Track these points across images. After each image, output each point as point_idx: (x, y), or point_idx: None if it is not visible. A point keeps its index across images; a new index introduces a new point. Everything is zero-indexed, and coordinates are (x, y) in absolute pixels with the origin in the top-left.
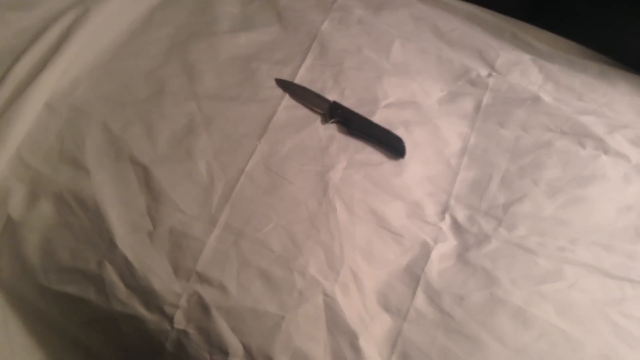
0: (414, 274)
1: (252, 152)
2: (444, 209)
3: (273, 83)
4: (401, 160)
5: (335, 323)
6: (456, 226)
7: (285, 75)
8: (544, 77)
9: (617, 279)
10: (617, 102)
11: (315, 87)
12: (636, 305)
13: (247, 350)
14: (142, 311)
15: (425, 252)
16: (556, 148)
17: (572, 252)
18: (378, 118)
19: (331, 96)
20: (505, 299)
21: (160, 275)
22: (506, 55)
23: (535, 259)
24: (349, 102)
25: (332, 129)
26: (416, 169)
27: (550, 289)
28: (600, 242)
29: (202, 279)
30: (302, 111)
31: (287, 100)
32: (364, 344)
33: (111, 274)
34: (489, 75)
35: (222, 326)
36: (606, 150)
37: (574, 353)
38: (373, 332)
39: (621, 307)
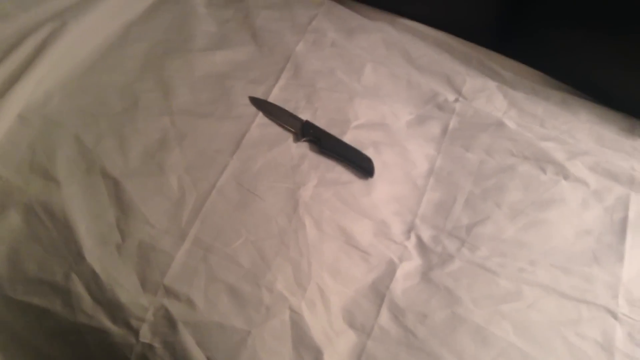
0: (379, 292)
1: (224, 168)
2: (410, 229)
3: (247, 101)
4: (370, 180)
5: (301, 339)
6: (421, 245)
7: (259, 94)
8: (508, 104)
9: (573, 300)
10: (578, 129)
11: (289, 107)
12: (591, 326)
13: None
14: (107, 324)
15: (390, 270)
16: (518, 172)
17: (531, 273)
18: (349, 138)
19: (304, 115)
20: (466, 318)
21: (127, 289)
22: (473, 81)
23: (496, 279)
24: (320, 122)
25: (303, 147)
26: (384, 189)
27: (510, 308)
28: (558, 264)
29: (170, 293)
30: (274, 129)
31: (261, 118)
32: None
33: (78, 286)
34: (456, 100)
35: (188, 341)
36: (566, 176)
37: None
38: (338, 348)
39: (577, 328)
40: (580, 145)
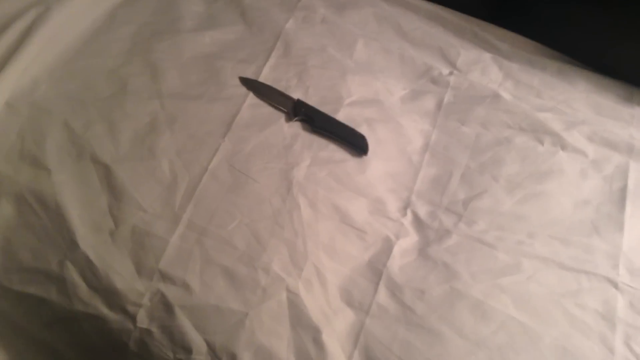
0: (376, 269)
1: (215, 150)
2: (406, 205)
3: (237, 81)
4: (364, 158)
5: (299, 319)
6: (418, 222)
7: (249, 74)
8: (503, 75)
9: (573, 271)
10: (575, 99)
11: (280, 86)
12: (591, 297)
13: (211, 347)
14: (104, 311)
15: (387, 247)
16: (515, 144)
17: (530, 245)
18: (342, 116)
19: (295, 94)
20: (465, 292)
21: (122, 275)
22: (467, 53)
23: (495, 252)
24: (313, 100)
25: (296, 126)
26: (379, 166)
27: (509, 281)
28: (557, 235)
29: (165, 277)
30: (266, 109)
31: (251, 98)
32: (327, 339)
33: (73, 274)
34: (450, 73)
35: (186, 324)
36: (564, 146)
37: (532, 344)
38: (336, 327)
39: (577, 299)
40: (577, 115)
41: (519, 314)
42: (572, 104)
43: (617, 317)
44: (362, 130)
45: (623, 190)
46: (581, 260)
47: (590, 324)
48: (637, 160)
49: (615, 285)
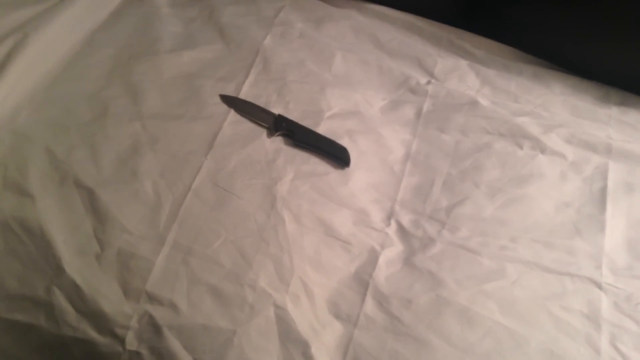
0: (362, 280)
1: (198, 169)
2: (390, 215)
3: (218, 99)
4: (347, 169)
5: (287, 334)
6: (402, 231)
7: (229, 91)
8: (480, 82)
9: (557, 273)
10: (552, 102)
11: (260, 102)
12: (576, 298)
13: None
14: (93, 334)
15: (372, 258)
16: (495, 150)
17: (513, 250)
18: (323, 129)
19: (276, 110)
20: (451, 300)
21: (109, 298)
22: (444, 62)
23: (479, 258)
24: (293, 115)
25: (278, 142)
26: (361, 177)
27: (494, 287)
28: (539, 239)
29: (152, 298)
30: (247, 126)
31: (233, 115)
32: (316, 352)
33: (60, 299)
34: (428, 82)
35: (174, 344)
36: (543, 150)
37: (519, 348)
38: (325, 340)
39: (562, 301)
40: (555, 118)
41: (505, 319)
42: (549, 107)
43: (602, 318)
44: (344, 142)
45: (603, 191)
46: (564, 262)
47: (576, 325)
48: (616, 160)
49: (599, 286)
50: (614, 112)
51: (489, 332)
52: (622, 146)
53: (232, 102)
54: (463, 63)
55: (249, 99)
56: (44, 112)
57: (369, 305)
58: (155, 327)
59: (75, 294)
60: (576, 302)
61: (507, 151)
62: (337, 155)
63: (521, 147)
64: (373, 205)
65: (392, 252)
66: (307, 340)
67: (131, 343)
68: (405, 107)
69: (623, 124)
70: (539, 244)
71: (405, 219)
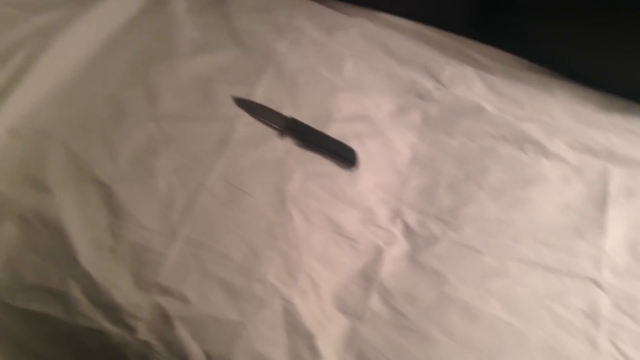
0: (368, 277)
1: (211, 167)
2: (396, 215)
3: (231, 102)
4: (355, 171)
5: (294, 327)
6: (407, 230)
7: (243, 94)
8: (487, 89)
9: (558, 273)
10: (556, 109)
11: (272, 105)
12: (576, 297)
13: (209, 357)
14: (105, 325)
15: (378, 255)
16: (499, 154)
17: (515, 249)
18: (332, 132)
19: (287, 112)
20: (454, 297)
21: (122, 289)
22: (451, 69)
23: (482, 257)
24: (304, 118)
25: (289, 143)
26: (369, 178)
27: (496, 285)
28: (542, 239)
29: (164, 290)
30: (259, 127)
31: (246, 117)
32: (322, 345)
33: (75, 290)
34: (436, 88)
35: (184, 335)
36: (546, 154)
37: (520, 344)
38: (330, 333)
39: (563, 300)
40: (558, 124)
41: (507, 315)
42: (553, 113)
43: (602, 316)
44: (353, 144)
45: (605, 194)
46: (565, 262)
47: (576, 323)
48: (617, 165)
49: (599, 285)
50: (616, 120)
51: (491, 328)
52: (623, 152)
53: (246, 104)
54: (470, 70)
55: (261, 102)
56: (64, 111)
57: (374, 301)
58: (166, 319)
59: (89, 286)
60: (577, 301)
61: (512, 155)
62: (345, 156)
63: (525, 152)
64: (380, 205)
65: (397, 250)
66: (313, 333)
67: (142, 333)
68: (413, 112)
69: (625, 130)
70: (541, 245)
71: (411, 218)
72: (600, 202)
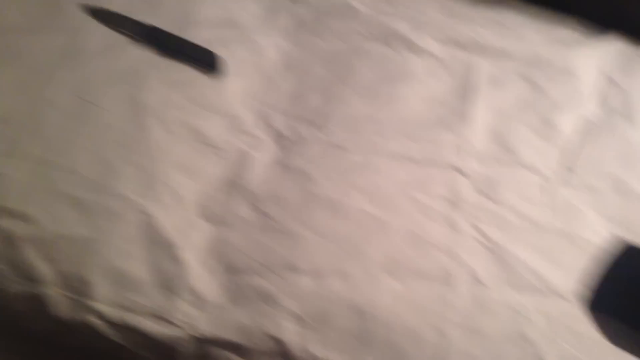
0: (234, 183)
1: (57, 81)
2: (264, 120)
3: (80, 12)
4: (221, 77)
5: (153, 238)
6: (276, 134)
7: (94, 1)
8: None
9: (421, 163)
10: (425, 5)
11: (128, 11)
12: (439, 185)
13: (64, 276)
14: None
15: (244, 160)
16: (368, 53)
17: (381, 144)
18: (197, 39)
19: (145, 19)
20: (321, 194)
21: None
22: None
23: (348, 154)
24: (163, 24)
25: (145, 52)
26: (236, 85)
27: (361, 179)
28: (407, 133)
29: (10, 214)
30: (113, 37)
31: (97, 27)
32: (184, 253)
33: None
34: None
35: (34, 257)
36: (414, 50)
37: (383, 233)
38: (193, 241)
39: (425, 188)
40: (427, 20)
41: (371, 207)
42: (423, 9)
43: (462, 200)
44: (219, 51)
45: (470, 85)
46: (429, 152)
47: (438, 208)
48: (483, 56)
49: (461, 172)
50: (486, 13)
51: (355, 221)
52: (491, 43)
53: (99, 13)
54: None
55: (116, 9)
56: None
57: (241, 206)
58: (11, 242)
59: None
60: (439, 188)
61: (381, 53)
62: (206, 61)
63: (394, 49)
64: (247, 112)
65: (265, 155)
66: (175, 242)
67: None
68: (282, 15)
69: (494, 23)
70: (407, 138)
71: (279, 122)
72: (466, 93)
